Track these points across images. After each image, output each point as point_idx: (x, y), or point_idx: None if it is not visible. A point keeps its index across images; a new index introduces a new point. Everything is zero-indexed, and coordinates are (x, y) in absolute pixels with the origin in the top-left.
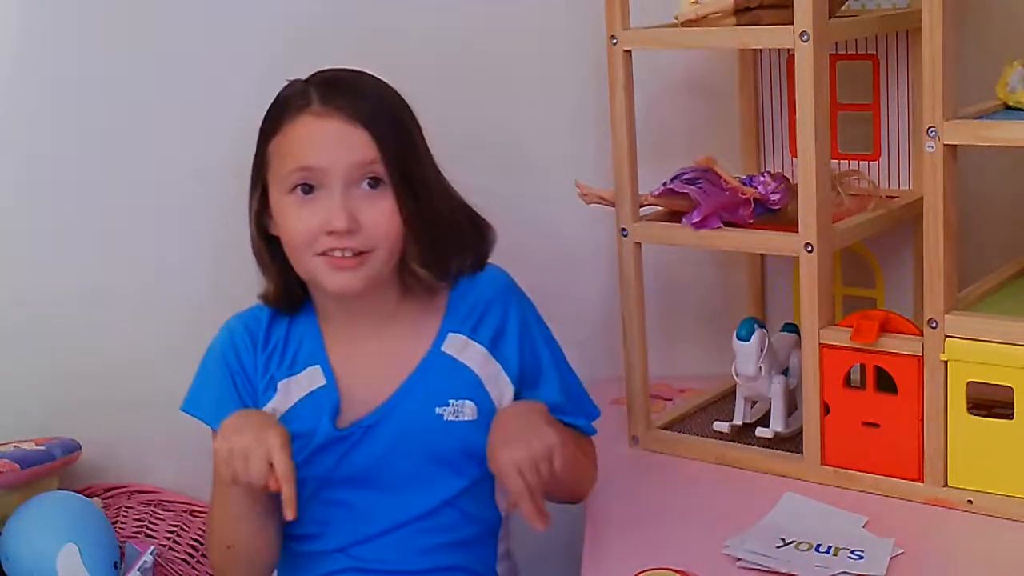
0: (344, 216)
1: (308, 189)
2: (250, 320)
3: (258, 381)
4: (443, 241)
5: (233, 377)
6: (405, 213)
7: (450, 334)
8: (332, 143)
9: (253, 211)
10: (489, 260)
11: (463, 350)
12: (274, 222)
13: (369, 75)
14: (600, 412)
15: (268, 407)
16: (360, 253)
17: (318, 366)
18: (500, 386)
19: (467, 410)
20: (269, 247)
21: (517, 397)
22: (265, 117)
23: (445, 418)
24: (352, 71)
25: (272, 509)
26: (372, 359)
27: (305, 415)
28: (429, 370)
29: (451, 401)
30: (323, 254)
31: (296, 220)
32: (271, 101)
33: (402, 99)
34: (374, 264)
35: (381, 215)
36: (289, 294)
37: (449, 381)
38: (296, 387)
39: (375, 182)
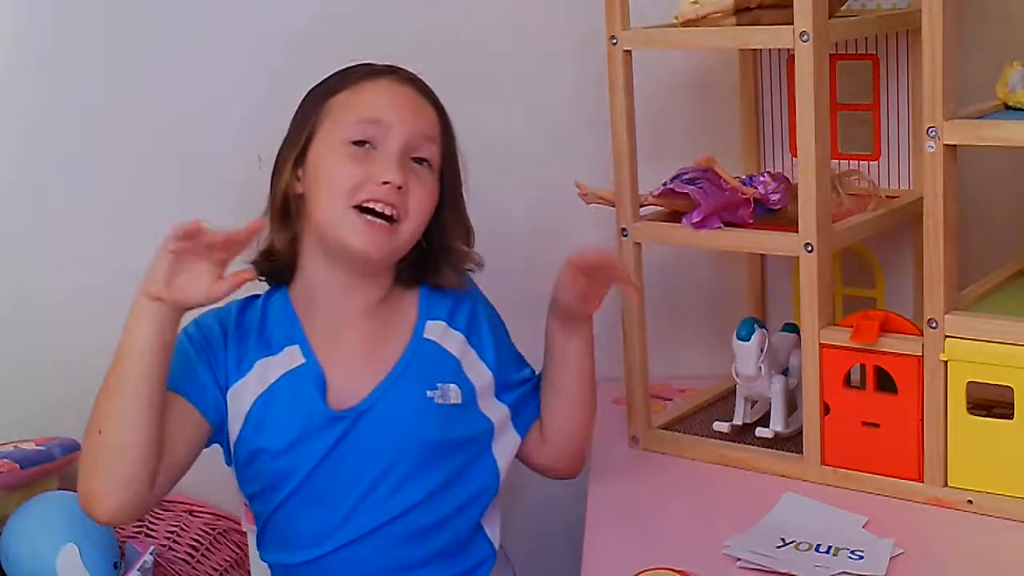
0: (400, 172)
1: (364, 144)
2: (219, 309)
3: (230, 353)
4: (468, 230)
5: (193, 346)
6: (446, 194)
7: (429, 321)
8: (407, 106)
9: (290, 164)
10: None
11: (443, 336)
12: (303, 180)
13: None
14: None
15: (242, 383)
16: (395, 220)
17: (296, 345)
18: (478, 372)
19: (452, 393)
20: (289, 207)
21: (498, 383)
22: (328, 79)
23: (436, 401)
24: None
25: (159, 428)
26: (354, 346)
27: (288, 393)
28: (416, 355)
29: (439, 384)
30: (359, 208)
31: (345, 167)
32: (331, 74)
33: None
34: (401, 235)
35: (423, 190)
36: (289, 264)
37: (435, 365)
38: (274, 366)
39: (425, 161)
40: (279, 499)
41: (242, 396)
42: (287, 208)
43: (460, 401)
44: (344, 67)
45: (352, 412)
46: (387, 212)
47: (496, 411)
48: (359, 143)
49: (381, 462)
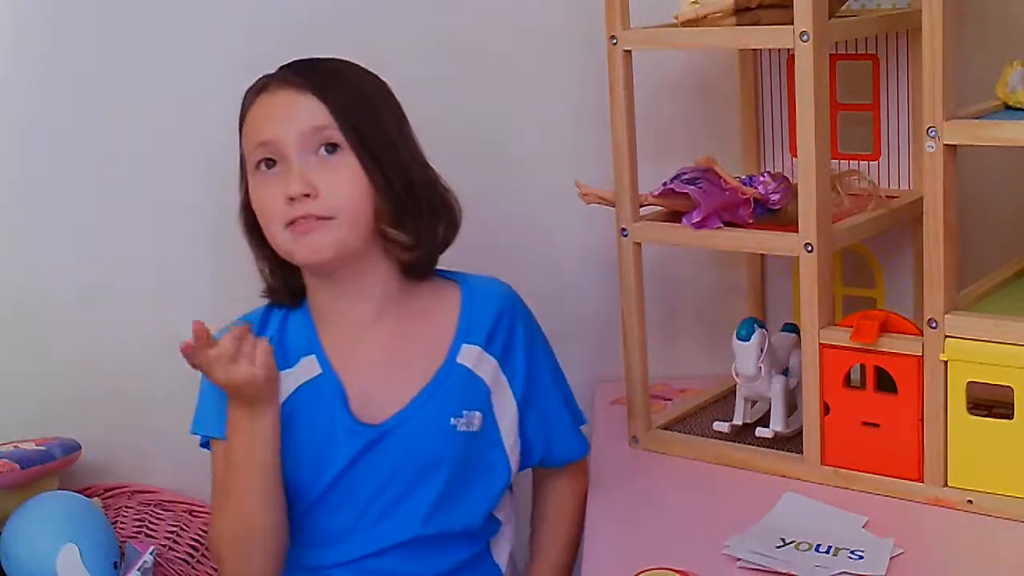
0: (299, 181)
1: (270, 164)
2: (238, 324)
3: None
4: (418, 203)
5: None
6: (371, 176)
7: (464, 345)
8: (282, 113)
9: (242, 204)
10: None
11: (478, 363)
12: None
13: (336, 58)
14: (586, 419)
15: None
16: (319, 219)
17: (312, 355)
18: (504, 403)
19: (476, 421)
20: (261, 239)
21: (520, 417)
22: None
23: (459, 429)
24: (322, 57)
25: (279, 485)
26: (379, 353)
27: (307, 404)
28: (446, 381)
29: (464, 412)
30: (291, 224)
31: (261, 196)
32: None
33: (368, 72)
34: (337, 231)
35: (339, 179)
36: (287, 285)
37: (465, 393)
38: (292, 378)
39: (332, 148)
40: (300, 508)
41: None
42: (258, 244)
43: (480, 429)
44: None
45: (375, 429)
46: (312, 221)
47: (513, 449)
48: (267, 164)
49: (399, 483)
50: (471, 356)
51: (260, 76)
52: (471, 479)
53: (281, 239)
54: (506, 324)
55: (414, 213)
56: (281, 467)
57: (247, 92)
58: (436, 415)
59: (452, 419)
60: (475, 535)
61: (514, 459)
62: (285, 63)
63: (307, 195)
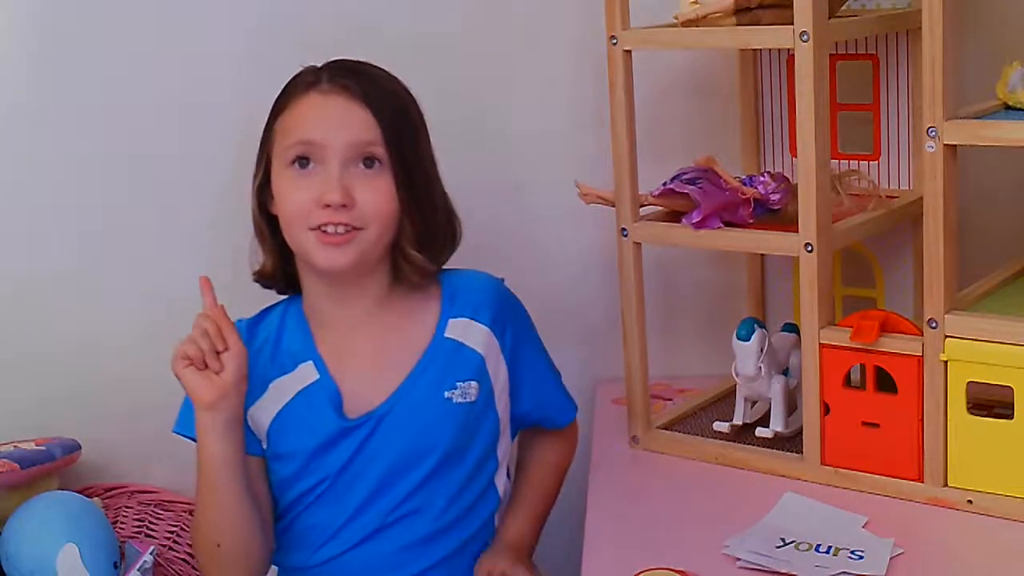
0: (339, 190)
1: (305, 163)
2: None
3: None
4: (437, 227)
5: None
6: (402, 196)
7: (451, 319)
8: (334, 119)
9: (256, 187)
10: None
11: (466, 332)
12: (274, 200)
13: (381, 68)
14: (576, 406)
15: (257, 405)
16: (352, 229)
17: (310, 361)
18: (498, 366)
19: (472, 391)
20: (269, 224)
21: (511, 380)
22: (277, 97)
23: (454, 401)
24: (365, 62)
25: (256, 502)
26: (370, 350)
27: (303, 409)
28: (436, 356)
29: (458, 384)
30: (316, 229)
31: (293, 193)
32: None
33: (408, 91)
34: (363, 242)
35: (376, 194)
36: (283, 271)
37: (456, 364)
38: (289, 385)
39: (371, 162)
40: (301, 507)
41: (258, 417)
42: (264, 230)
43: (477, 398)
44: (288, 80)
45: (368, 418)
46: (340, 231)
47: (504, 411)
48: (301, 163)
49: (400, 464)
50: (458, 328)
51: (304, 68)
52: (471, 448)
53: (303, 240)
54: (490, 297)
55: (431, 236)
56: (247, 486)
57: (293, 82)
58: (430, 390)
59: (446, 392)
60: (477, 511)
61: (504, 419)
62: (334, 60)
63: (344, 205)
